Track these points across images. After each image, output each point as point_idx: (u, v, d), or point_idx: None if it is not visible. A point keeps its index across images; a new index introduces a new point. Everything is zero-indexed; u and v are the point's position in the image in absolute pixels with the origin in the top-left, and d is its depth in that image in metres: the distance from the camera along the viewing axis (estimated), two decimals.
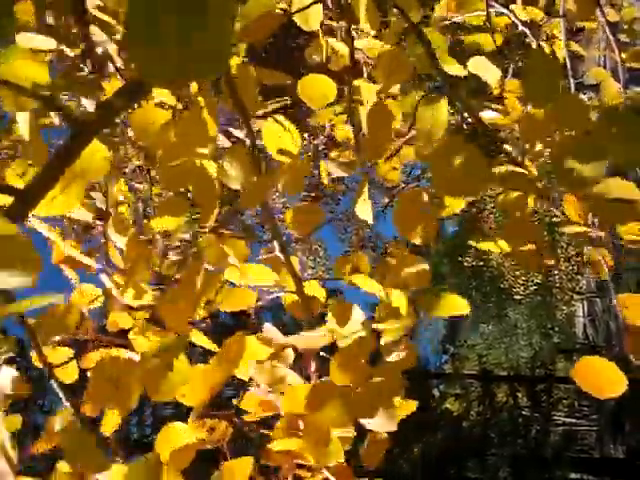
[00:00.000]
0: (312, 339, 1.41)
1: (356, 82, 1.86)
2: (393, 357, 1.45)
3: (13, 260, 0.63)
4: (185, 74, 0.62)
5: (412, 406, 1.55)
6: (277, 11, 1.71)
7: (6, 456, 1.11)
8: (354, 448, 1.48)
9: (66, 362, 1.37)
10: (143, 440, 13.27)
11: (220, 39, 0.60)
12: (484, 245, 1.77)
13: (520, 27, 2.32)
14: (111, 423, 1.40)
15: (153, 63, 0.61)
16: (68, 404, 1.30)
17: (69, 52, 1.36)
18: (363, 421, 1.42)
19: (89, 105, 1.02)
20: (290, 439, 1.39)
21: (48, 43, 1.30)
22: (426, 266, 1.61)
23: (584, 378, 1.43)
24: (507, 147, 1.73)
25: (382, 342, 1.49)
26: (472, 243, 1.85)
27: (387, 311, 1.45)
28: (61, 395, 1.35)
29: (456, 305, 1.62)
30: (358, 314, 1.41)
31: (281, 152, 1.48)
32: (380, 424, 1.42)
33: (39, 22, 1.40)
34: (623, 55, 2.84)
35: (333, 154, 1.88)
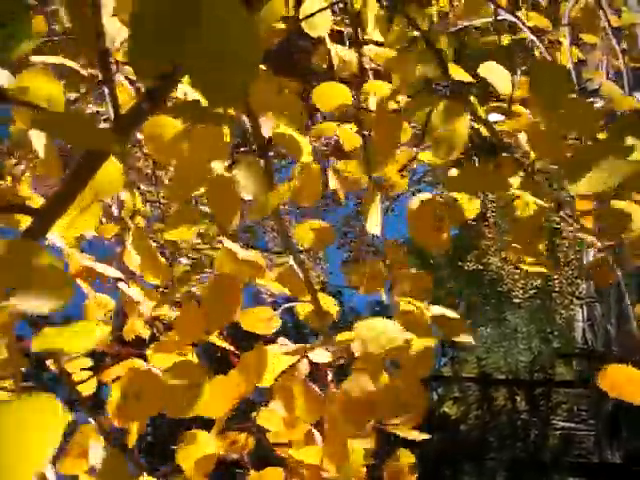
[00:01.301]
0: (328, 354, 1.41)
1: (365, 88, 1.86)
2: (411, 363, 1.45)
3: (46, 287, 0.64)
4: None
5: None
6: (287, 17, 1.72)
7: None
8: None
9: (88, 378, 1.37)
10: (157, 442, 13.28)
11: (250, 50, 0.60)
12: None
13: (528, 34, 2.32)
14: (134, 435, 1.40)
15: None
16: (93, 421, 1.30)
17: (81, 70, 1.36)
18: (391, 428, 1.41)
19: (108, 113, 1.02)
20: (310, 448, 1.39)
21: (62, 61, 1.30)
22: (429, 282, 1.60)
23: (610, 385, 1.43)
24: (515, 154, 1.73)
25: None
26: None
27: (407, 321, 1.44)
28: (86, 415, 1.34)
29: (460, 330, 1.61)
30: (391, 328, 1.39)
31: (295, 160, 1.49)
32: (403, 430, 1.41)
33: (49, 31, 1.41)
34: (626, 60, 2.85)
35: (338, 165, 1.87)
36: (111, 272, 1.49)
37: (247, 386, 1.37)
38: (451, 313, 1.50)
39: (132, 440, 1.45)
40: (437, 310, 1.47)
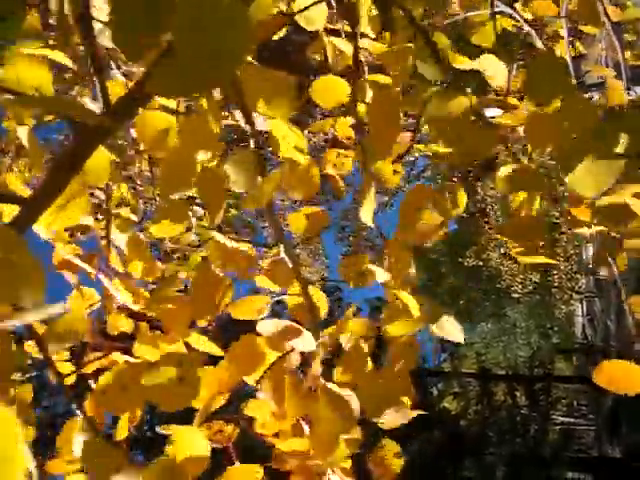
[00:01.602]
0: (314, 342, 1.39)
1: (361, 81, 1.84)
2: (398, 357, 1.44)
3: (22, 280, 0.63)
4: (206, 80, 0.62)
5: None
6: (280, 12, 1.70)
7: None
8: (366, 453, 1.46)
9: (73, 372, 1.36)
10: (143, 434, 13.29)
11: (238, 38, 0.59)
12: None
13: (525, 26, 2.30)
14: (123, 428, 1.38)
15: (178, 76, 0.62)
16: (80, 415, 1.28)
17: (70, 63, 1.34)
18: (375, 419, 1.40)
19: (95, 108, 1.00)
20: (298, 439, 1.38)
21: (54, 55, 1.28)
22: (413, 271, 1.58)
23: (607, 380, 1.43)
24: (512, 148, 1.72)
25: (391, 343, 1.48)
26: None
27: (396, 312, 1.43)
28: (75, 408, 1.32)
29: (452, 330, 1.60)
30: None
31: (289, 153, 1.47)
32: (391, 420, 1.40)
33: (42, 24, 1.38)
34: (627, 54, 2.83)
35: (333, 154, 1.85)
36: (88, 268, 1.47)
37: (234, 377, 1.36)
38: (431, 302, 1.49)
39: (121, 433, 1.43)
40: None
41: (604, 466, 15.42)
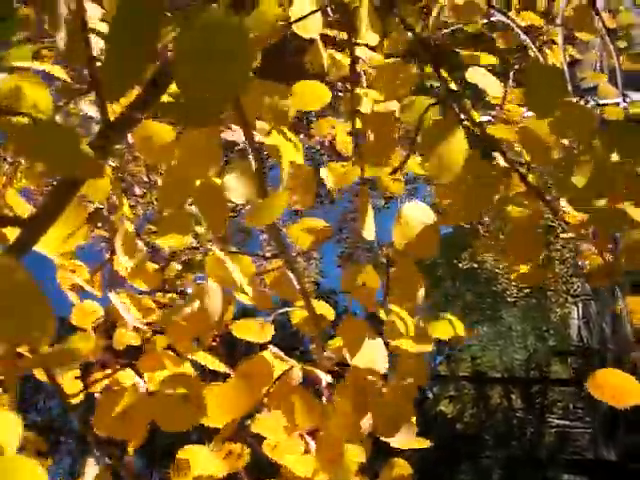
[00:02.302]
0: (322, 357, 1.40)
1: (358, 91, 1.85)
2: (406, 374, 1.43)
3: (30, 317, 0.62)
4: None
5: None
6: (278, 21, 1.70)
7: None
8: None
9: (80, 392, 1.35)
10: (158, 444, 13.23)
11: (239, 68, 0.60)
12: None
13: (520, 34, 2.31)
14: (133, 447, 1.37)
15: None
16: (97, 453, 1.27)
17: (68, 78, 1.35)
18: (383, 438, 1.39)
19: (95, 114, 1.00)
20: (303, 458, 1.37)
21: (52, 69, 1.29)
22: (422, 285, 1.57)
23: (601, 390, 1.42)
24: (509, 157, 1.72)
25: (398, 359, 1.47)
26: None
27: (397, 332, 1.43)
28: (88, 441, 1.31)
29: (452, 329, 1.59)
30: (370, 331, 1.38)
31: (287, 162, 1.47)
32: (402, 441, 1.40)
33: (39, 34, 1.39)
34: (621, 59, 2.84)
35: (333, 165, 1.85)
36: (93, 290, 1.47)
37: (253, 396, 1.35)
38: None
39: (131, 451, 1.43)
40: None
41: (600, 469, 15.42)
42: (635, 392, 1.40)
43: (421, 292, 1.43)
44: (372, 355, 1.36)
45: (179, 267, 1.84)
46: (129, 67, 0.71)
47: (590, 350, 17.38)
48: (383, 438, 1.39)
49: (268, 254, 1.57)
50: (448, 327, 1.57)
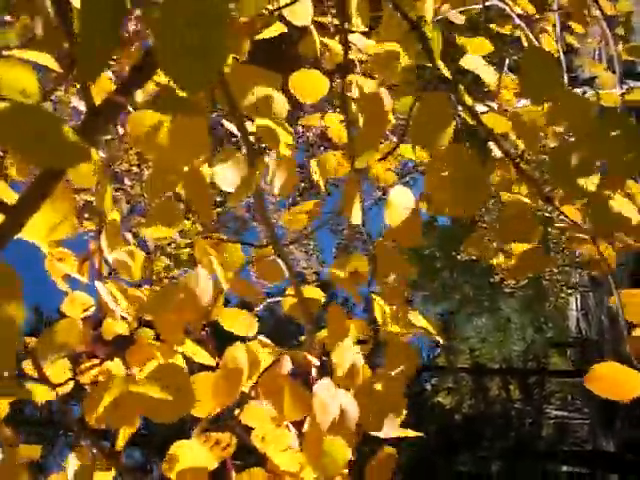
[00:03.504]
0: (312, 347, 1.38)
1: (350, 78, 1.83)
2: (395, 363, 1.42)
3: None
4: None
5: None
6: (267, 9, 1.68)
7: None
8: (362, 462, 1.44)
9: (67, 381, 1.33)
10: (151, 434, 13.27)
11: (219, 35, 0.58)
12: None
13: (516, 20, 2.29)
14: (122, 439, 1.36)
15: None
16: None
17: (55, 65, 1.32)
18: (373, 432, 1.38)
19: (80, 106, 0.98)
20: (289, 452, 1.35)
21: (39, 57, 1.26)
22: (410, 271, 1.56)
23: (599, 385, 1.40)
24: (503, 145, 1.70)
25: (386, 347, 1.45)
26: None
27: (387, 316, 1.41)
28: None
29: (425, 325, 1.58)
30: (351, 322, 1.37)
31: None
32: (387, 431, 1.38)
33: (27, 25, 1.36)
34: (620, 48, 2.81)
35: (324, 157, 1.83)
36: (80, 278, 1.45)
37: (236, 385, 1.33)
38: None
39: (120, 444, 1.41)
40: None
41: (598, 460, 15.47)
42: (633, 386, 1.38)
43: (399, 276, 1.42)
44: (351, 346, 1.34)
45: (167, 261, 1.82)
46: (101, 42, 0.68)
47: (588, 341, 17.42)
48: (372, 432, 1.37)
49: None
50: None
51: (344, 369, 1.33)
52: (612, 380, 1.39)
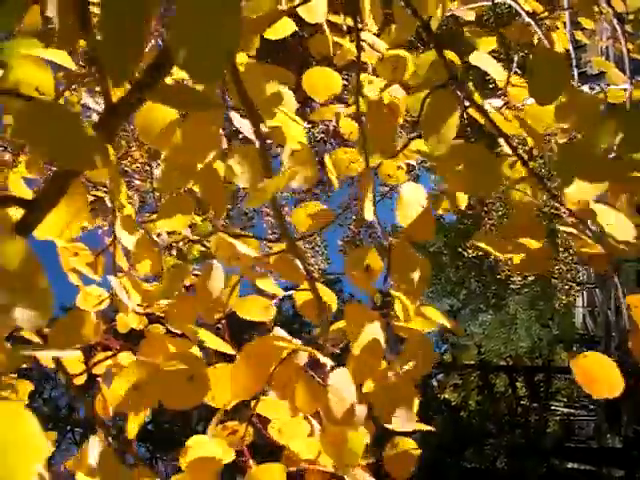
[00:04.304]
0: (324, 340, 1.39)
1: (362, 76, 1.84)
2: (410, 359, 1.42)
3: (32, 303, 0.63)
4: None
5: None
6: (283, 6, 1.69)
7: None
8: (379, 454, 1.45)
9: (83, 372, 1.36)
10: (157, 430, 13.28)
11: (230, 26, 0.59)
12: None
13: (525, 17, 2.29)
14: (134, 427, 1.38)
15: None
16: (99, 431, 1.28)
17: (73, 65, 1.33)
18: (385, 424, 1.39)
19: (94, 105, 1.00)
20: (308, 441, 1.37)
21: (56, 56, 1.27)
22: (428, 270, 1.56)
23: (582, 373, 1.39)
24: (512, 141, 1.71)
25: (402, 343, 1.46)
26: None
27: (409, 312, 1.42)
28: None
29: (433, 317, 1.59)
30: (372, 316, 1.37)
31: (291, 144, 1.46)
32: (399, 423, 1.39)
33: (43, 21, 1.38)
34: (630, 46, 2.80)
35: (337, 153, 1.84)
36: (94, 276, 1.47)
37: (256, 379, 1.34)
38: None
39: (132, 432, 1.43)
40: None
41: (604, 456, 15.44)
42: (612, 384, 1.38)
43: (418, 274, 1.42)
44: (373, 339, 1.35)
45: (176, 259, 1.84)
46: (130, 42, 0.69)
47: (595, 338, 17.37)
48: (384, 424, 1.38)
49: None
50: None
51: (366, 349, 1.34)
52: (595, 374, 1.39)
